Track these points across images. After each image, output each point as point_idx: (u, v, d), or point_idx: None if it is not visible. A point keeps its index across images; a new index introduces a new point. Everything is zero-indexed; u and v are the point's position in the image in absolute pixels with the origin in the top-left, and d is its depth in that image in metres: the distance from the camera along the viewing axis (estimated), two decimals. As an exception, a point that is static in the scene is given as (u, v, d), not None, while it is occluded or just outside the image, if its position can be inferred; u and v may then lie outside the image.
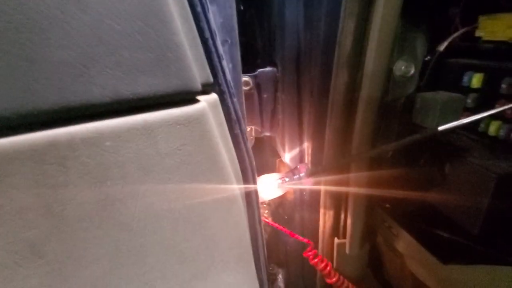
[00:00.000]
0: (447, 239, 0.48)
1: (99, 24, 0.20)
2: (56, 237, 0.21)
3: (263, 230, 0.42)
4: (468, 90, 0.48)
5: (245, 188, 0.36)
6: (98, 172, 0.22)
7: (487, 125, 0.45)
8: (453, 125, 0.41)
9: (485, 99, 0.46)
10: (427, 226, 0.52)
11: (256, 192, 0.39)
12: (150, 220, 0.25)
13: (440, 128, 0.42)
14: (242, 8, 0.59)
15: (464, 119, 0.42)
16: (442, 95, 0.48)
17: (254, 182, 0.39)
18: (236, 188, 0.31)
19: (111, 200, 0.22)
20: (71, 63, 0.20)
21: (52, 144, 0.20)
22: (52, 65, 0.19)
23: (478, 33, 0.48)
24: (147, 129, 0.23)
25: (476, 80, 0.46)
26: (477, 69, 0.47)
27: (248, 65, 0.58)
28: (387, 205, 0.65)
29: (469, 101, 0.48)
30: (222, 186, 0.29)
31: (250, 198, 0.38)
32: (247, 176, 0.37)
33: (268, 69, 0.59)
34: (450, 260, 0.46)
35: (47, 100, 0.19)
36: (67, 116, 0.20)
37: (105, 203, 0.22)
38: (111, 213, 0.23)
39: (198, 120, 0.26)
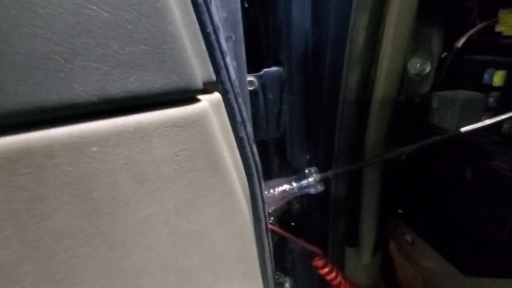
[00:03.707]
0: (469, 249, 0.45)
1: (83, 10, 0.17)
2: (32, 258, 0.18)
3: (270, 241, 0.39)
4: (489, 88, 0.45)
5: (251, 196, 0.34)
6: (83, 183, 0.19)
7: (512, 126, 0.42)
8: (477, 126, 0.38)
9: (508, 98, 0.43)
10: (446, 234, 0.49)
11: (263, 200, 0.36)
12: (144, 235, 0.22)
13: (463, 129, 0.38)
14: (246, 5, 0.56)
15: (488, 120, 0.38)
16: (461, 94, 0.45)
17: (261, 189, 0.36)
18: (241, 197, 0.28)
19: (98, 214, 0.20)
20: (49, 56, 0.17)
21: (26, 151, 0.17)
22: (25, 58, 0.16)
23: (498, 28, 0.45)
24: (140, 132, 0.20)
25: (498, 78, 0.43)
26: (499, 66, 0.44)
27: (253, 65, 0.55)
28: (400, 211, 0.62)
29: (491, 100, 0.45)
30: (226, 195, 0.26)
31: (257, 207, 0.35)
32: (253, 183, 0.34)
33: (273, 68, 0.56)
34: (472, 272, 0.42)
35: (19, 99, 0.16)
36: (44, 118, 0.17)
37: (91, 218, 0.19)
38: (98, 229, 0.20)
39: (199, 122, 0.23)
